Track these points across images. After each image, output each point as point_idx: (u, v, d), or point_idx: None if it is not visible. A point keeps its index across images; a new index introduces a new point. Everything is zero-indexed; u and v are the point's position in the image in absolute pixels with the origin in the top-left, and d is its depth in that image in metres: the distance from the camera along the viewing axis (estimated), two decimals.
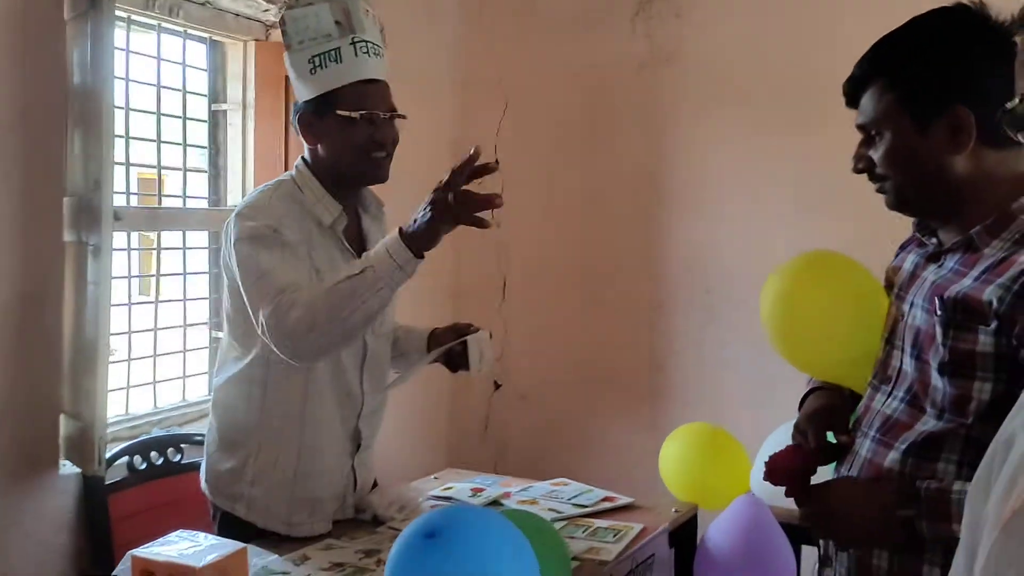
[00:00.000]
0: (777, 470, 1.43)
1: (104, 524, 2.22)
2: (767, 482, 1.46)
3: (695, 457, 2.17)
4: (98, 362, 2.10)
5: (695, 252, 3.34)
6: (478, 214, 1.71)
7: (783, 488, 1.44)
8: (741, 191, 3.24)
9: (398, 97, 1.96)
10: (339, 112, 1.82)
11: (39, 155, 2.14)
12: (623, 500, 2.09)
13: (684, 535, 2.11)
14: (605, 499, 2.10)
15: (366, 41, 1.84)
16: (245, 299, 1.80)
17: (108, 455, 2.22)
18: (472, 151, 1.71)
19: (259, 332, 1.76)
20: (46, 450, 2.18)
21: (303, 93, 1.87)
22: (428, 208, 1.69)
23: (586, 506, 2.06)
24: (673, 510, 2.09)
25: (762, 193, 3.19)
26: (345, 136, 1.84)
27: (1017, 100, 0.79)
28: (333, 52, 1.81)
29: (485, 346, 1.92)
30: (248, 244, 1.78)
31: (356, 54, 1.82)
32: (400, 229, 1.71)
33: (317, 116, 1.85)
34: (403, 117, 1.91)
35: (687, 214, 3.36)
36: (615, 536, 1.88)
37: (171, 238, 2.84)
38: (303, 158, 1.92)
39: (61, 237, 2.18)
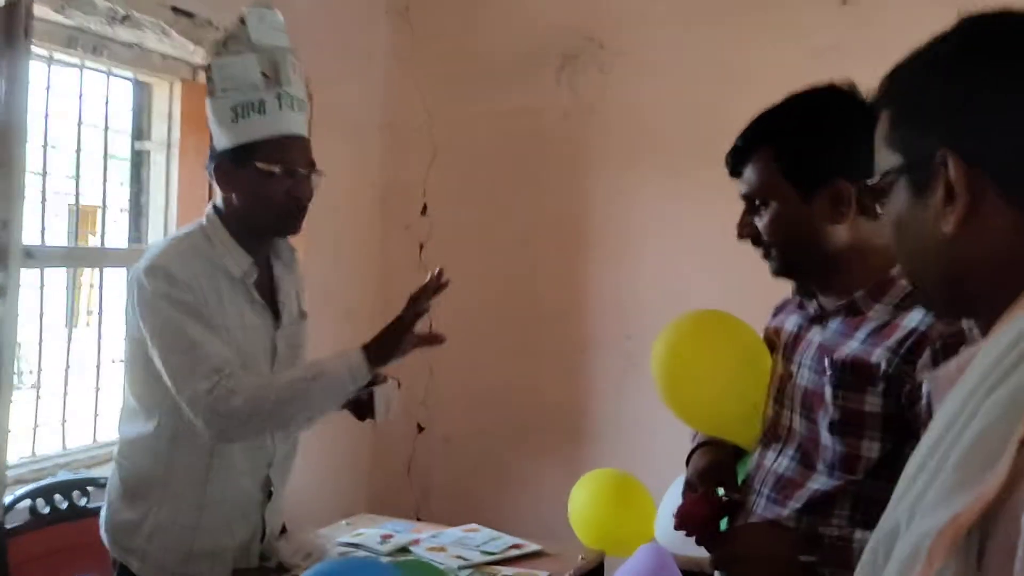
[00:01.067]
0: (687, 518, 1.45)
1: (2, 569, 2.17)
2: (679, 530, 1.48)
3: (602, 503, 2.21)
4: (1, 402, 2.06)
5: (616, 298, 3.41)
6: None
7: (693, 536, 1.47)
8: (660, 238, 3.33)
9: (326, 140, 1.98)
10: (258, 164, 1.83)
11: None
12: (531, 547, 2.12)
13: None
14: (513, 546, 2.13)
15: (291, 96, 1.86)
16: (164, 367, 1.78)
17: (10, 499, 2.17)
18: (436, 272, 1.88)
19: (183, 405, 1.76)
20: None
21: (222, 141, 1.87)
22: (394, 334, 1.82)
23: (494, 553, 2.08)
24: (580, 557, 2.12)
25: (681, 240, 3.28)
26: (263, 188, 1.84)
27: (877, 176, 0.84)
28: (257, 103, 1.82)
29: (392, 396, 1.94)
30: (170, 308, 1.77)
31: (280, 107, 1.83)
32: (365, 347, 1.80)
33: (235, 165, 1.86)
34: (321, 174, 1.93)
35: (609, 260, 3.43)
36: None
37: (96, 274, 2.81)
38: (214, 205, 1.92)
39: None
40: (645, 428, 3.29)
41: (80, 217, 2.92)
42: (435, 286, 1.88)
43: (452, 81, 3.64)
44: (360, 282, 3.64)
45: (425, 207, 3.71)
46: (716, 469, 1.52)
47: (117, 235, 2.86)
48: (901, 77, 0.84)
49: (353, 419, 2.08)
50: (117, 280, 2.83)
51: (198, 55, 2.89)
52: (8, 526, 2.20)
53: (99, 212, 2.85)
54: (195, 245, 1.86)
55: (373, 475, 3.72)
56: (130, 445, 1.90)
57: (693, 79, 3.22)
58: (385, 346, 1.82)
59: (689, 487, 1.53)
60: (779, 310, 1.55)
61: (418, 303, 1.86)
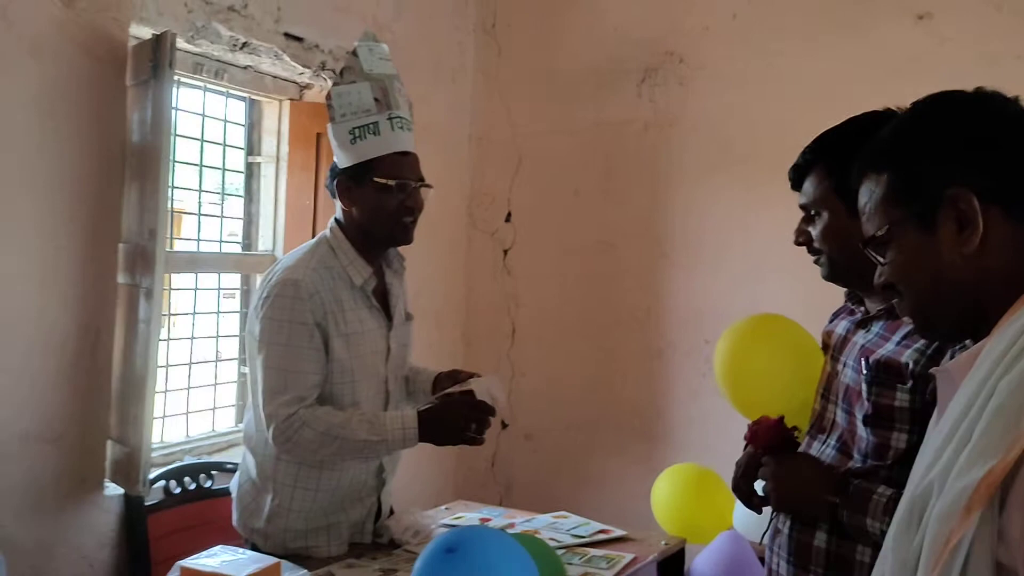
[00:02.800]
0: (759, 430, 1.61)
1: (143, 541, 2.43)
2: (748, 442, 1.64)
3: (684, 494, 2.36)
4: (146, 392, 2.32)
5: (695, 304, 3.55)
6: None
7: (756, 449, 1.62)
8: (737, 246, 3.47)
9: (420, 153, 2.19)
10: (376, 179, 2.05)
11: (99, 205, 2.38)
12: (617, 532, 2.29)
13: (672, 565, 2.30)
14: (600, 531, 2.30)
15: (400, 117, 2.08)
16: (260, 376, 2.00)
17: (150, 477, 2.42)
18: (502, 418, 2.02)
19: (261, 415, 1.99)
20: (93, 472, 2.40)
21: (343, 160, 2.09)
22: (450, 426, 2.01)
23: (583, 536, 2.26)
24: (662, 543, 2.28)
25: (756, 249, 3.41)
26: (379, 202, 2.06)
27: (883, 230, 1.03)
28: (372, 126, 2.04)
29: (496, 389, 2.09)
30: (285, 327, 1.97)
31: (392, 128, 2.05)
32: (420, 423, 1.99)
33: (355, 182, 2.08)
34: (430, 187, 2.14)
35: (689, 267, 3.58)
36: (608, 563, 2.08)
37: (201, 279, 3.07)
38: (336, 219, 2.14)
39: (115, 279, 2.41)
40: (719, 429, 3.43)
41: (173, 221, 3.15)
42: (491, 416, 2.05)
43: (536, 95, 3.83)
44: (448, 286, 3.85)
45: (509, 215, 3.90)
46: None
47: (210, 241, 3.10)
48: (896, 143, 1.03)
49: None
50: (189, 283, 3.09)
51: (305, 76, 3.13)
52: (147, 503, 2.46)
53: (194, 218, 3.08)
54: (322, 258, 2.07)
55: (459, 470, 3.92)
56: (252, 437, 2.12)
57: (770, 93, 3.36)
58: (437, 433, 2.02)
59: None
60: (835, 315, 1.70)
61: (481, 412, 2.03)
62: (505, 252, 3.91)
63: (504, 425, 3.86)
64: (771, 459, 1.55)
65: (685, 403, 3.52)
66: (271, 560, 1.87)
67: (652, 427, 3.59)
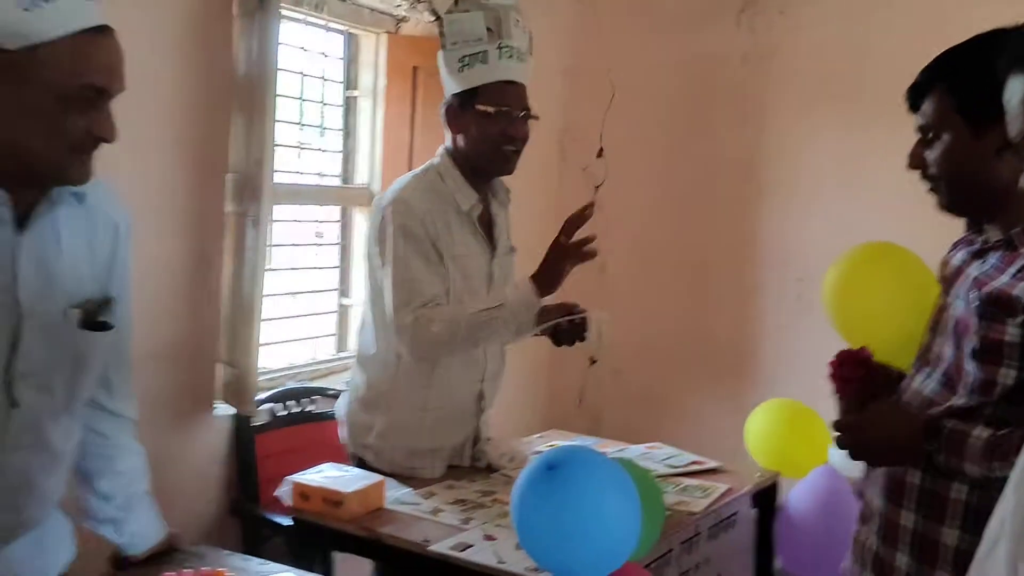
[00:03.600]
0: (845, 360, 1.58)
1: (251, 460, 2.55)
2: (832, 378, 1.61)
3: (779, 428, 2.36)
4: (253, 318, 2.41)
5: (789, 241, 3.49)
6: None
7: (839, 384, 1.60)
8: (836, 184, 3.38)
9: None
10: (478, 107, 2.07)
11: (207, 136, 2.45)
12: (711, 463, 2.31)
13: (766, 498, 2.31)
14: (694, 462, 2.32)
15: (511, 47, 2.08)
16: (385, 290, 2.07)
17: (256, 400, 2.53)
18: (586, 209, 2.10)
19: (392, 328, 2.04)
20: (204, 394, 2.51)
21: (451, 87, 2.12)
22: (553, 261, 2.04)
23: (677, 467, 2.28)
24: (756, 475, 2.29)
25: (857, 187, 3.32)
26: (482, 129, 2.09)
27: None
28: (481, 54, 2.06)
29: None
30: (403, 242, 2.04)
31: (500, 58, 2.07)
32: (533, 276, 2.03)
33: (460, 109, 2.11)
34: (536, 118, 2.14)
35: (783, 204, 3.51)
36: (703, 493, 2.10)
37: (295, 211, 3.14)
38: (446, 147, 2.18)
39: (223, 208, 2.49)
40: (812, 367, 3.38)
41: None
42: (581, 216, 2.09)
43: (633, 25, 3.76)
44: (538, 222, 3.85)
45: (601, 150, 3.88)
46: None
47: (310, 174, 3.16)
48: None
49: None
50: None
51: (402, 8, 3.14)
52: (254, 424, 2.58)
53: (294, 151, 3.14)
54: (431, 182, 2.12)
55: (548, 403, 3.97)
56: (365, 357, 2.19)
57: (877, 23, 3.24)
58: (548, 272, 2.04)
59: None
60: (955, 245, 1.65)
61: (568, 228, 2.06)
62: (596, 188, 3.89)
63: (592, 361, 3.89)
64: (851, 414, 1.52)
65: (777, 340, 3.49)
66: (376, 477, 1.95)
67: (743, 364, 3.57)
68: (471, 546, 1.74)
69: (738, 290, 3.61)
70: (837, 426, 1.55)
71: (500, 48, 2.07)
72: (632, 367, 3.81)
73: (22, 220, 1.29)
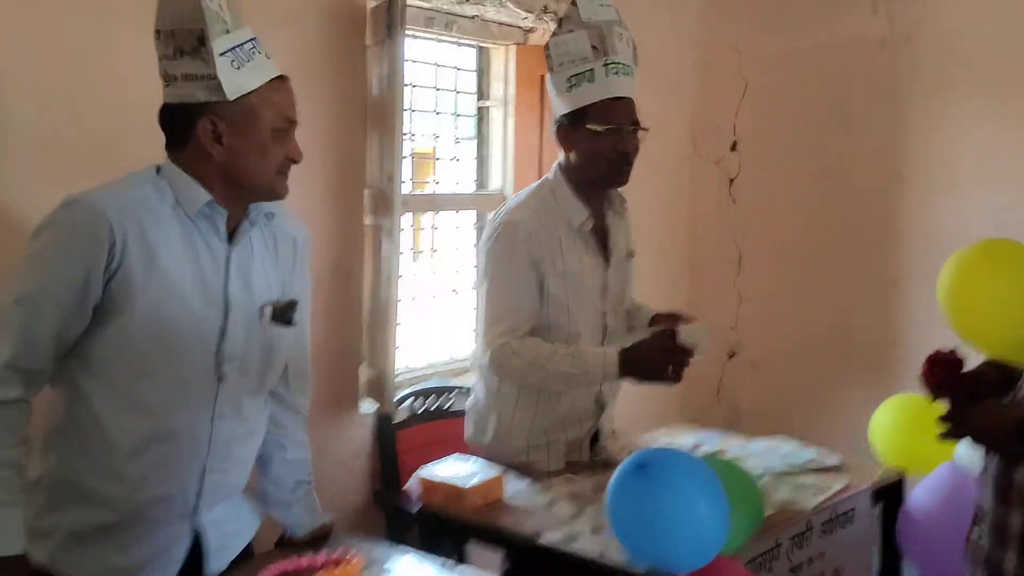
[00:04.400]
0: (935, 361, 1.62)
1: (393, 453, 2.75)
2: (925, 378, 1.67)
3: (904, 423, 2.33)
4: (390, 322, 2.61)
5: (933, 231, 3.38)
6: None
7: (934, 383, 1.66)
8: (982, 174, 3.25)
9: (642, 82, 2.25)
10: (588, 126, 2.16)
11: (346, 155, 2.67)
12: (831, 460, 2.31)
13: (890, 496, 2.29)
14: (814, 459, 2.33)
15: (617, 63, 2.16)
16: (481, 306, 2.21)
17: (396, 398, 2.73)
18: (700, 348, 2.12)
19: (482, 338, 2.19)
20: (349, 392, 2.73)
21: (560, 108, 2.22)
22: (650, 365, 2.11)
23: (795, 464, 2.30)
24: (879, 472, 2.28)
25: (1002, 171, 3.18)
26: (593, 146, 2.17)
27: None
28: (587, 73, 2.15)
29: (702, 335, 2.16)
30: (504, 265, 2.16)
31: (607, 75, 2.15)
32: (622, 362, 2.10)
33: (571, 128, 2.20)
34: (646, 130, 2.21)
35: (925, 194, 3.41)
36: (817, 490, 2.12)
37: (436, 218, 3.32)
38: (559, 163, 2.28)
39: (362, 221, 2.70)
40: None
41: (416, 164, 3.40)
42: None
43: (764, 15, 3.73)
44: (671, 216, 3.90)
45: (735, 143, 3.87)
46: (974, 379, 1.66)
47: (448, 182, 3.33)
48: None
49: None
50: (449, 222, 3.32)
51: (528, 20, 3.26)
52: (395, 420, 2.78)
53: (433, 160, 3.32)
54: (543, 200, 2.23)
55: (685, 395, 4.01)
56: (480, 359, 2.33)
57: (1016, 3, 3.09)
58: (636, 371, 2.13)
59: None
60: None
61: (679, 355, 2.11)
62: (731, 181, 3.89)
63: (731, 355, 3.89)
64: (956, 409, 1.54)
65: (918, 333, 3.39)
66: (496, 471, 2.09)
67: (885, 356, 3.49)
68: (579, 538, 1.85)
69: (878, 282, 3.52)
70: (942, 419, 1.58)
71: (606, 65, 2.14)
72: (771, 360, 3.80)
73: (230, 235, 1.63)
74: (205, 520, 1.64)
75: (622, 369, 2.11)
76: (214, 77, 1.52)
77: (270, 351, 1.68)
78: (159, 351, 1.53)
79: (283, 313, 1.69)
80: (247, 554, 1.76)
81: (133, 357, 1.52)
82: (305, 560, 1.70)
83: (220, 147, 1.56)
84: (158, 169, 1.61)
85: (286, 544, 1.82)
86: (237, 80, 1.54)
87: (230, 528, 1.70)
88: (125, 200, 1.52)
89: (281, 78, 1.62)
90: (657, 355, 2.11)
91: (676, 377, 2.12)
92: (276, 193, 1.64)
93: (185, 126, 1.56)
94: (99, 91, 2.10)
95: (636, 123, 2.20)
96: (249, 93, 1.55)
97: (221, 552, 1.67)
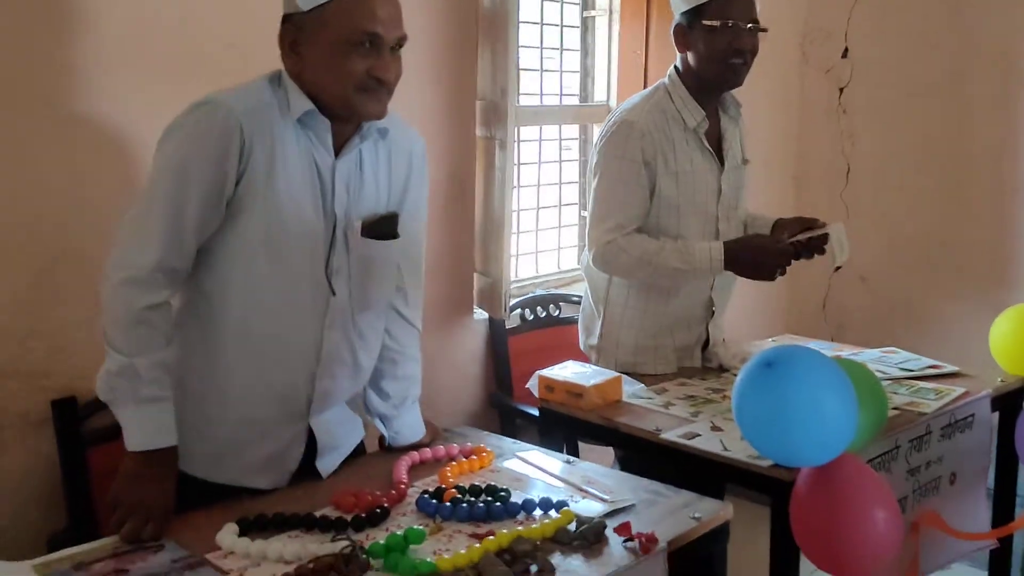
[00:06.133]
0: None
1: (505, 358, 2.84)
2: None
3: None
4: (504, 232, 2.67)
5: None
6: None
7: None
8: None
9: None
10: (704, 22, 2.15)
11: (458, 67, 2.70)
12: (948, 368, 2.31)
13: (1010, 404, 2.28)
14: (931, 366, 2.33)
15: None
16: (590, 205, 2.23)
17: (508, 306, 2.81)
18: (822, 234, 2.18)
19: (588, 237, 2.22)
20: (464, 300, 2.82)
21: (678, 6, 2.22)
22: (758, 267, 2.15)
23: (912, 370, 2.30)
24: (998, 379, 2.26)
25: None
26: (708, 44, 2.17)
27: None
28: None
29: (843, 237, 2.15)
30: (617, 163, 2.18)
31: None
32: (726, 252, 2.13)
33: (688, 27, 2.20)
34: (764, 30, 2.18)
35: None
36: (936, 395, 2.12)
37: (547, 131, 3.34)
38: (676, 66, 2.27)
39: (474, 133, 2.74)
40: None
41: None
42: (814, 246, 2.17)
43: None
44: (779, 126, 3.83)
45: (846, 50, 3.75)
46: None
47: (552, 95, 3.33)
48: None
49: None
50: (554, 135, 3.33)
51: None
52: (507, 327, 2.86)
53: (536, 74, 3.30)
54: (658, 101, 2.24)
55: (790, 309, 3.99)
56: (588, 264, 2.37)
57: None
58: (742, 266, 2.16)
59: None
60: None
61: (793, 230, 2.17)
62: (841, 90, 3.78)
63: (837, 268, 3.84)
64: None
65: None
66: (613, 373, 2.15)
67: (997, 268, 3.42)
68: (699, 435, 1.91)
69: (996, 191, 3.42)
70: None
71: None
72: (878, 273, 3.74)
73: (338, 150, 1.61)
74: (316, 421, 1.68)
75: (728, 262, 2.14)
76: None
77: (368, 265, 1.67)
78: (273, 256, 1.55)
79: (378, 227, 1.66)
80: (358, 453, 1.83)
81: (250, 259, 1.55)
82: (442, 451, 1.80)
83: (296, 58, 1.55)
84: (277, 76, 1.60)
85: (389, 450, 1.86)
86: None
87: (340, 429, 1.75)
88: (251, 103, 1.53)
89: None
90: (761, 254, 2.14)
91: (776, 275, 2.16)
92: (357, 111, 1.56)
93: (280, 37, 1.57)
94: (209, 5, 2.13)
95: (754, 20, 2.17)
96: (326, 3, 1.50)
97: (332, 452, 1.73)
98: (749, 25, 2.17)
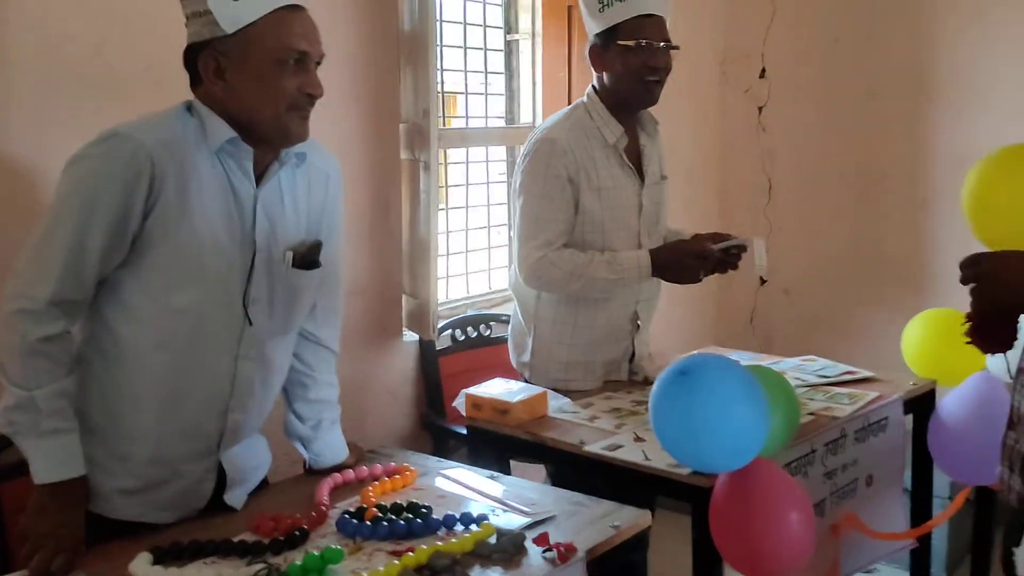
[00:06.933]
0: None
1: (436, 379, 2.85)
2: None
3: (935, 335, 2.37)
4: (430, 254, 2.68)
5: (964, 150, 3.36)
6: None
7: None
8: (1015, 89, 3.24)
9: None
10: (619, 42, 2.20)
11: (380, 90, 2.72)
12: (863, 373, 2.38)
13: (921, 407, 2.35)
14: (846, 372, 2.40)
15: None
16: (515, 223, 2.27)
17: (438, 327, 2.82)
18: (739, 244, 2.25)
19: (514, 259, 2.26)
20: (392, 322, 2.83)
21: (592, 28, 2.27)
22: (682, 269, 2.23)
23: (828, 376, 2.37)
24: (910, 383, 2.34)
25: None
26: (623, 63, 2.22)
27: None
28: None
29: (763, 249, 2.22)
30: (540, 180, 2.21)
31: None
32: (653, 263, 2.21)
33: (603, 47, 2.25)
34: (676, 48, 2.25)
35: (956, 112, 3.41)
36: (850, 400, 2.19)
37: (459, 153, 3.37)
38: (593, 86, 2.32)
39: (398, 155, 2.76)
40: None
41: (444, 101, 3.43)
42: (730, 259, 2.24)
43: None
44: (702, 144, 3.92)
45: (764, 70, 3.87)
46: None
47: (477, 118, 3.36)
48: None
49: None
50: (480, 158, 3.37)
51: None
52: (438, 348, 2.87)
53: (463, 97, 3.34)
54: (578, 119, 2.28)
55: (718, 323, 4.07)
56: (515, 283, 2.39)
57: None
58: (667, 271, 2.24)
59: None
60: None
61: (718, 239, 2.23)
62: (760, 109, 3.89)
63: (762, 281, 3.94)
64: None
65: (951, 252, 3.40)
66: (539, 389, 2.18)
67: (914, 277, 3.54)
68: (622, 447, 1.94)
69: (909, 203, 3.55)
70: (963, 264, 1.57)
71: None
72: (802, 286, 3.84)
73: (259, 177, 1.60)
74: (227, 456, 1.66)
75: (655, 268, 2.21)
76: (208, 12, 1.48)
77: (295, 294, 1.67)
78: (185, 291, 1.52)
79: (306, 256, 1.66)
80: (263, 485, 1.80)
81: (160, 293, 1.52)
82: (364, 471, 1.80)
83: (223, 83, 1.52)
84: (188, 106, 1.57)
85: (312, 473, 1.85)
86: (234, 12, 1.48)
87: (250, 463, 1.72)
88: (162, 135, 1.50)
89: (292, 7, 1.53)
90: (686, 257, 2.21)
91: (701, 277, 2.24)
92: (287, 131, 1.56)
93: (195, 65, 1.54)
94: (126, 29, 2.12)
95: (667, 40, 2.23)
96: (250, 25, 1.49)
97: (241, 485, 1.70)
98: (662, 44, 2.23)
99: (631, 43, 2.20)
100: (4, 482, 1.84)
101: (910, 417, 2.35)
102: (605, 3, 2.21)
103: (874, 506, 2.19)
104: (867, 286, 3.68)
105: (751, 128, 3.90)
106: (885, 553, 2.26)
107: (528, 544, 1.47)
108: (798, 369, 2.44)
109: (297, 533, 1.51)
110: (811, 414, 2.09)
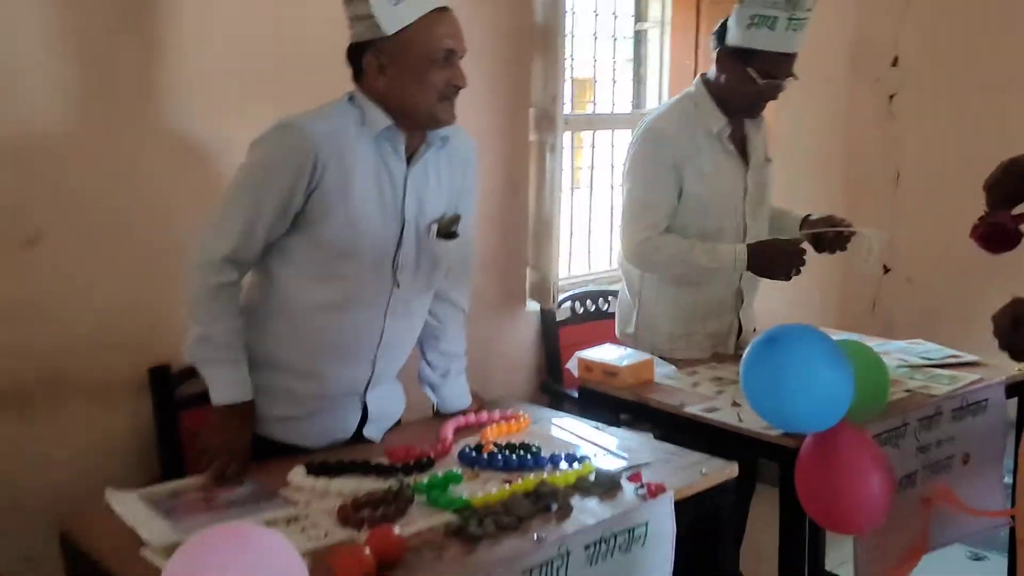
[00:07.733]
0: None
1: (555, 347, 3.06)
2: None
3: None
4: (553, 231, 2.89)
5: None
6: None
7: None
8: None
9: None
10: (749, 69, 2.31)
11: (513, 77, 2.93)
12: (968, 357, 2.44)
13: None
14: (952, 356, 2.46)
15: (799, 19, 2.26)
16: (623, 205, 2.43)
17: (558, 299, 3.03)
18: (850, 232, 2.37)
19: (622, 236, 2.43)
20: (518, 291, 3.05)
21: (733, 38, 2.34)
22: (775, 266, 2.34)
23: (932, 359, 2.44)
24: (1016, 368, 2.38)
25: None
26: (744, 85, 2.35)
27: None
28: (771, 20, 2.25)
29: (876, 245, 2.30)
30: (647, 166, 2.38)
31: (787, 29, 2.26)
32: (750, 257, 2.32)
33: (732, 58, 2.35)
34: (796, 78, 2.36)
35: None
36: (949, 380, 2.27)
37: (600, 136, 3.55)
38: (705, 76, 2.46)
39: (527, 138, 2.97)
40: None
41: (576, 88, 3.62)
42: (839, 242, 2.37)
43: None
44: (828, 132, 3.96)
45: (896, 59, 3.87)
46: None
47: (606, 103, 3.53)
48: None
49: (820, 261, 2.53)
50: (607, 141, 3.53)
51: None
52: (558, 319, 3.08)
53: (592, 83, 3.52)
54: (684, 109, 2.44)
55: (841, 308, 4.10)
56: (623, 264, 2.57)
57: None
58: (762, 266, 2.34)
59: None
60: None
61: (800, 260, 2.32)
62: (890, 97, 3.90)
63: (886, 270, 3.95)
64: None
65: None
66: (646, 355, 2.36)
67: None
68: (719, 410, 2.10)
69: None
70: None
71: (791, 20, 2.24)
72: (925, 275, 3.85)
73: (409, 158, 1.85)
74: (371, 396, 1.94)
75: (750, 262, 2.33)
76: (371, 16, 1.70)
77: (435, 261, 1.91)
78: (344, 258, 1.78)
79: (447, 227, 1.89)
80: (397, 424, 2.07)
81: (322, 260, 1.78)
82: (484, 416, 2.03)
83: (384, 78, 1.76)
84: (351, 97, 1.82)
85: (438, 415, 2.12)
86: (394, 15, 1.70)
87: (389, 404, 2.00)
88: (327, 127, 1.75)
89: (441, 9, 1.75)
90: (779, 255, 2.32)
91: (792, 275, 2.34)
92: (438, 118, 1.80)
93: (359, 62, 1.78)
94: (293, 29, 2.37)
95: (791, 75, 2.34)
96: (407, 27, 1.71)
97: (380, 421, 1.99)
98: (784, 81, 2.34)
99: (759, 75, 2.31)
100: (182, 411, 2.18)
101: (1014, 401, 2.39)
102: (754, 23, 2.26)
103: (969, 483, 2.26)
104: (993, 278, 3.64)
105: (880, 117, 3.92)
106: (973, 531, 2.32)
107: (623, 482, 1.66)
108: (904, 351, 2.53)
109: (425, 460, 1.75)
110: (908, 391, 2.18)
